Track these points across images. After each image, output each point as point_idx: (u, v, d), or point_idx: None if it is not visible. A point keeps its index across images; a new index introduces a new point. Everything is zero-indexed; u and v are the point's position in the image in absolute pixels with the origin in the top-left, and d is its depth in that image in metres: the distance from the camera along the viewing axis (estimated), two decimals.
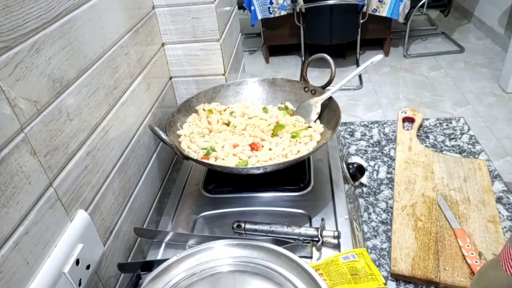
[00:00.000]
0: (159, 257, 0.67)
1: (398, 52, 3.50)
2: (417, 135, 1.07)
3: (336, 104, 0.82)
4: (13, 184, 0.44)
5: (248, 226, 0.67)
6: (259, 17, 3.13)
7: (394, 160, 0.99)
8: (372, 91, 3.02)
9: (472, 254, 0.71)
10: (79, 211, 0.57)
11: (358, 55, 3.32)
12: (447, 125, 1.11)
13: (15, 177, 0.44)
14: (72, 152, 0.56)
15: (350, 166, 0.87)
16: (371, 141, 1.08)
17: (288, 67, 3.52)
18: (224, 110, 0.89)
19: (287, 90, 0.92)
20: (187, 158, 0.73)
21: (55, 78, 0.52)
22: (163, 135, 0.71)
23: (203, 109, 0.89)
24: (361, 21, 3.03)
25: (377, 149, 1.05)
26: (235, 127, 0.85)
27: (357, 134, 1.11)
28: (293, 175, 0.79)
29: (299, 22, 3.07)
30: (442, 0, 3.29)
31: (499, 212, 0.81)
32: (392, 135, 1.09)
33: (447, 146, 1.03)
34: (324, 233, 0.64)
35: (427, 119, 1.14)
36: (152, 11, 0.86)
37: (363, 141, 1.09)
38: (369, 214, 0.86)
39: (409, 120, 1.11)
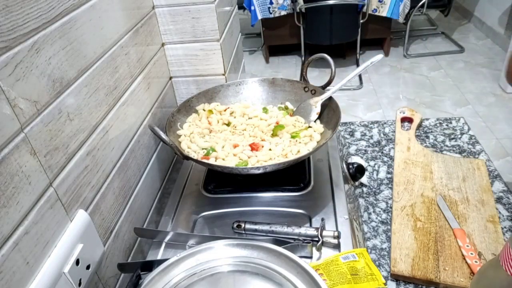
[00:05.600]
0: (159, 257, 0.67)
1: (398, 52, 3.50)
2: (417, 135, 1.07)
3: (336, 104, 0.82)
4: (13, 184, 0.44)
5: (248, 226, 0.67)
6: (259, 17, 3.13)
7: (394, 160, 0.99)
8: (372, 91, 3.02)
9: (471, 254, 0.71)
10: (79, 211, 0.57)
11: (358, 55, 3.31)
12: (447, 125, 1.11)
13: (15, 177, 0.45)
14: (72, 152, 0.56)
15: (350, 166, 0.87)
16: (371, 141, 1.08)
17: (288, 67, 3.51)
18: (225, 111, 0.89)
19: (287, 90, 0.92)
20: (187, 158, 0.73)
21: (55, 78, 0.52)
22: (163, 135, 0.71)
23: (203, 109, 0.89)
24: (361, 21, 3.03)
25: (377, 149, 1.05)
26: (235, 127, 0.85)
27: (357, 134, 1.11)
28: (293, 175, 0.79)
29: (299, 22, 3.07)
30: (442, 0, 3.29)
31: (499, 212, 0.82)
32: (392, 135, 1.09)
33: (447, 146, 1.03)
34: (324, 233, 0.64)
35: (427, 119, 1.14)
36: (152, 11, 0.86)
37: (363, 141, 1.09)
38: (369, 214, 0.86)
39: (408, 120, 1.12)
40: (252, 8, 3.09)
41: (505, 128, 2.48)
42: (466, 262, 0.71)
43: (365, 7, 2.95)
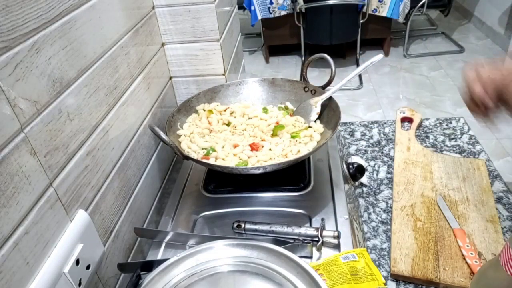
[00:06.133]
0: (159, 257, 0.67)
1: (398, 52, 3.50)
2: (417, 135, 1.07)
3: (336, 104, 0.82)
4: (13, 184, 0.44)
5: (248, 226, 0.67)
6: (259, 17, 3.13)
7: (394, 160, 0.99)
8: (372, 91, 3.02)
9: (471, 254, 0.71)
10: (79, 211, 0.57)
11: (358, 55, 3.32)
12: (447, 125, 1.11)
13: (15, 177, 0.45)
14: (72, 152, 0.56)
15: (350, 166, 0.87)
16: (371, 141, 1.08)
17: (288, 67, 3.51)
18: (225, 111, 0.89)
19: (287, 90, 0.92)
20: (187, 158, 0.73)
21: (55, 78, 0.52)
22: (163, 135, 0.71)
23: (203, 109, 0.89)
24: (361, 21, 3.03)
25: (377, 149, 1.05)
26: (235, 127, 0.85)
27: (357, 134, 1.11)
28: (293, 175, 0.79)
29: (299, 22, 3.07)
30: (442, 0, 3.29)
31: (499, 212, 0.82)
32: (392, 135, 1.09)
33: (447, 146, 1.03)
34: (324, 233, 0.64)
35: (427, 119, 1.14)
36: (152, 11, 0.86)
37: (363, 141, 1.09)
38: (369, 214, 0.86)
39: (408, 120, 1.12)
40: (252, 8, 3.09)
41: (505, 128, 2.48)
42: (466, 262, 0.71)
43: (365, 7, 2.95)
